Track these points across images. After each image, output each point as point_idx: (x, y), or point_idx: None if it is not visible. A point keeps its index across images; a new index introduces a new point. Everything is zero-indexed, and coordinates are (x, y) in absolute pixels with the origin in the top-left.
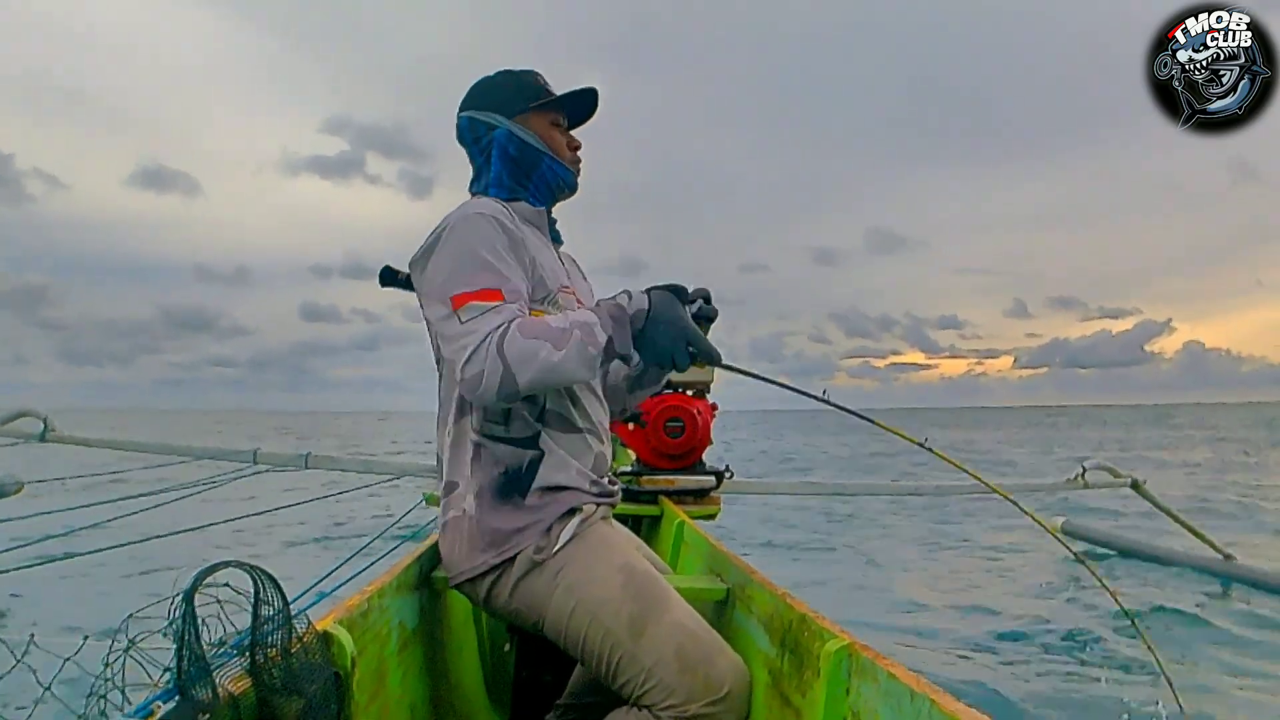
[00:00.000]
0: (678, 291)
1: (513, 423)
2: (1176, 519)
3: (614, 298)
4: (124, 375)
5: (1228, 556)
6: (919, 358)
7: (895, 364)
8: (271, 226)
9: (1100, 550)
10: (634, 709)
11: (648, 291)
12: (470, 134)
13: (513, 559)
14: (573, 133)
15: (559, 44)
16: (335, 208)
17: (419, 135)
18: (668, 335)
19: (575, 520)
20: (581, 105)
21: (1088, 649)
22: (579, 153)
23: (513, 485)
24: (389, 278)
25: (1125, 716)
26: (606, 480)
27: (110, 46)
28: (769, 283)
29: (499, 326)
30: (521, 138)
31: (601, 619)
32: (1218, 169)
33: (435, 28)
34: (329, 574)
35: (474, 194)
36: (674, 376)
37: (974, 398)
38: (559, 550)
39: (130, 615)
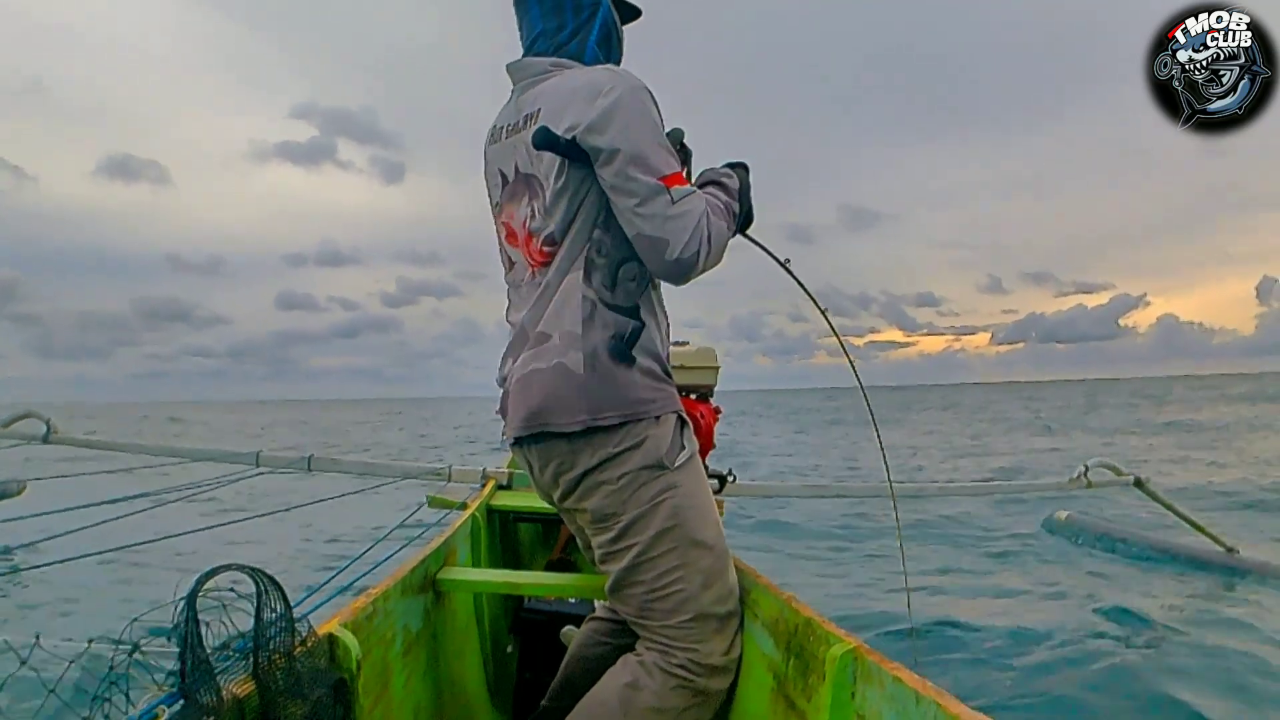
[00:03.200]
0: (746, 168)
1: (618, 288)
2: (1180, 515)
3: (718, 175)
4: (102, 369)
5: (1231, 550)
6: (898, 335)
7: (874, 342)
8: (244, 215)
9: (1102, 543)
10: (650, 652)
11: (732, 167)
12: None
13: (639, 443)
14: None
15: None
16: (307, 195)
17: (389, 121)
18: (748, 205)
19: (689, 433)
20: (625, 16)
21: (1088, 648)
22: None
23: (622, 353)
24: (549, 141)
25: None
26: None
27: (73, 35)
28: (745, 260)
29: (704, 210)
30: (616, 21)
31: (687, 554)
32: (1185, 140)
33: (403, 13)
34: (332, 577)
35: (558, 48)
36: (676, 379)
37: (954, 374)
38: (680, 465)
39: (134, 619)
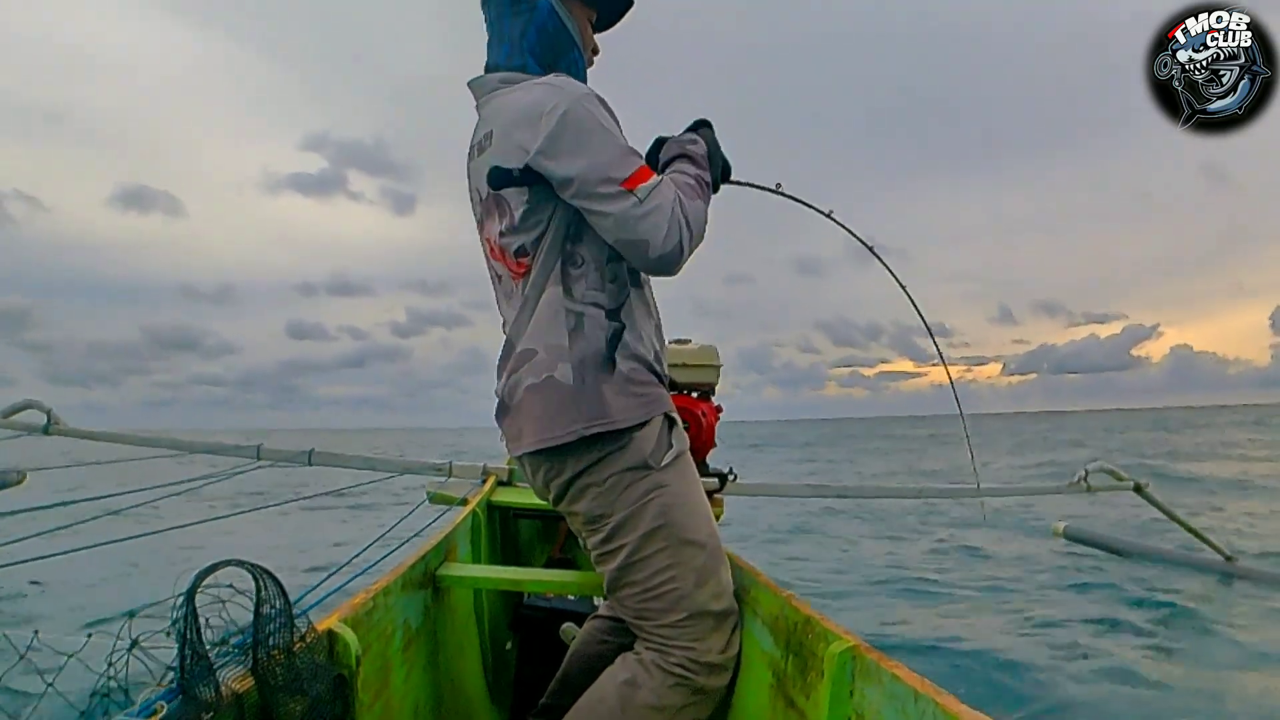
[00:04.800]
0: (709, 124)
1: (602, 292)
2: (1180, 522)
3: (682, 145)
4: (111, 396)
5: (1230, 558)
6: (908, 366)
7: (885, 372)
8: (255, 245)
9: (1102, 552)
10: (648, 651)
11: (695, 130)
12: None
13: (624, 445)
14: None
15: None
16: (318, 225)
17: (400, 152)
18: (720, 160)
19: (678, 432)
20: (612, 10)
21: (1084, 643)
22: (596, 58)
23: (608, 357)
24: (504, 179)
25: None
26: (661, 351)
27: (88, 66)
28: (755, 294)
29: (674, 197)
30: (562, 19)
31: (679, 552)
32: (1192, 175)
33: (414, 46)
34: (332, 573)
35: (501, 62)
36: (677, 377)
37: (966, 405)
38: (666, 465)
39: (133, 613)
